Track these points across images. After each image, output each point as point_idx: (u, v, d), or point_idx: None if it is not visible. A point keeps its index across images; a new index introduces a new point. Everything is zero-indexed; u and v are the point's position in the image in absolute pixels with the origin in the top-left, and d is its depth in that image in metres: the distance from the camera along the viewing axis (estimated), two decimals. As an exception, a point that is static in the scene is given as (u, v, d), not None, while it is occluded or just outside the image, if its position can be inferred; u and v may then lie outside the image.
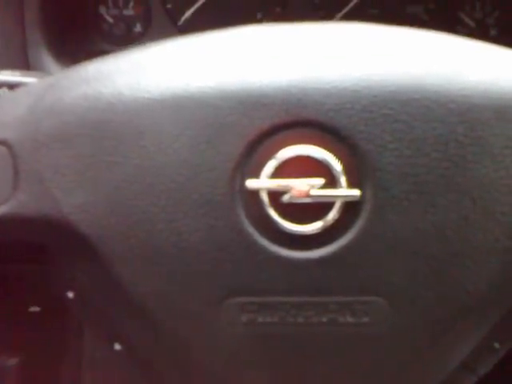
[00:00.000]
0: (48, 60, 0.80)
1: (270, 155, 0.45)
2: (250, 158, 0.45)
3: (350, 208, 0.45)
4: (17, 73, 0.56)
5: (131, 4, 0.90)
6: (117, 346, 0.51)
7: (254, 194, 0.45)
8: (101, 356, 0.88)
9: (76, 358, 0.91)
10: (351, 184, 0.45)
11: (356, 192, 0.44)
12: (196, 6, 0.88)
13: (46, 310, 0.83)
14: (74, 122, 0.46)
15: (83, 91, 0.46)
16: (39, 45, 0.80)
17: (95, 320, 0.52)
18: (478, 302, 0.46)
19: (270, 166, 0.45)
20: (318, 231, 0.45)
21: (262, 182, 0.45)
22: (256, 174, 0.45)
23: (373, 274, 0.45)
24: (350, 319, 0.46)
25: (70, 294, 0.51)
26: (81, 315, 0.53)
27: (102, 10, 0.89)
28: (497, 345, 0.50)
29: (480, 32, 0.89)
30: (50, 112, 0.47)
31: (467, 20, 0.89)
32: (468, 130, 0.44)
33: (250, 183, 0.45)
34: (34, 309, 0.84)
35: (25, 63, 0.79)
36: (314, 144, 0.45)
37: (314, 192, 0.44)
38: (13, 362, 0.84)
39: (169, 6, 0.89)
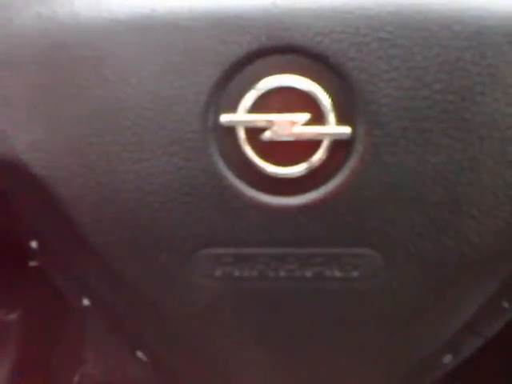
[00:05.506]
0: None
1: (248, 86, 0.40)
2: (226, 90, 0.41)
3: (340, 147, 0.41)
4: None
5: None
6: (85, 302, 0.48)
7: (230, 130, 0.41)
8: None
9: (78, 313, 0.89)
10: (341, 120, 0.40)
11: (346, 129, 0.40)
12: None
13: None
14: (25, 47, 0.42)
15: (36, 11, 0.42)
16: None
17: (62, 271, 0.49)
18: (483, 255, 0.42)
19: (249, 98, 0.41)
20: (303, 174, 0.41)
21: (239, 117, 0.41)
22: (232, 108, 0.41)
23: (364, 224, 0.41)
24: (337, 273, 0.42)
25: (33, 244, 0.48)
26: (46, 265, 0.49)
27: None
28: (506, 304, 0.47)
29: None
30: None
31: None
32: (476, 57, 0.40)
33: (225, 118, 0.41)
34: (33, 263, 0.82)
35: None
36: (299, 74, 0.40)
37: (299, 129, 0.40)
38: (13, 316, 0.83)
39: None
